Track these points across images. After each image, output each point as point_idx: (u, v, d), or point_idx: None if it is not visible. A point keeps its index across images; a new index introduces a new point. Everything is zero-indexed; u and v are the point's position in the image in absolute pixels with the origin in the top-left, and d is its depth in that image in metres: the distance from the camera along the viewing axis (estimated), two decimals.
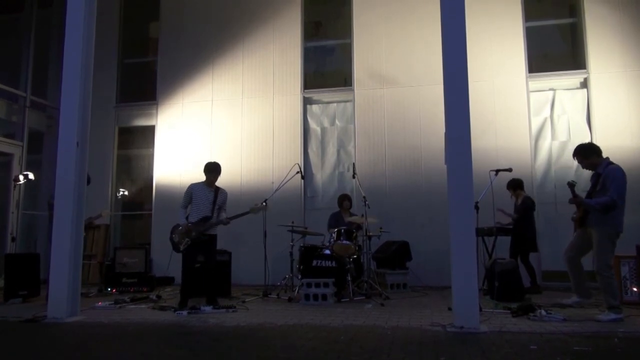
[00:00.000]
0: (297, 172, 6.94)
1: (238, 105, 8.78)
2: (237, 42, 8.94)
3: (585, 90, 7.76)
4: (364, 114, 8.32)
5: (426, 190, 7.77)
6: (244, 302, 5.97)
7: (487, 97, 7.80)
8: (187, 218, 5.78)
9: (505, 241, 6.73)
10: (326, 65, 9.21)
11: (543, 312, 4.60)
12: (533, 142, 7.79)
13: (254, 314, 5.20)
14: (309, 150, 8.60)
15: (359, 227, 6.74)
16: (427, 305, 5.67)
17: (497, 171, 5.88)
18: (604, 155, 4.84)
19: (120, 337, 4.22)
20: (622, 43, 7.63)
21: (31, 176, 7.43)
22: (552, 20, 8.36)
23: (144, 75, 9.70)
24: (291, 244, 6.68)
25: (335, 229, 6.45)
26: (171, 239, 5.81)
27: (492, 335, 3.95)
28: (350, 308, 5.48)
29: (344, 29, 8.73)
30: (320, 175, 8.53)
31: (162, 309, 5.55)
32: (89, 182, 6.25)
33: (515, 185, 6.86)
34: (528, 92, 7.83)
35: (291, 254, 6.64)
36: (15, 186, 8.00)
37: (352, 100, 8.43)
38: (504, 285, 5.72)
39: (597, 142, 7.40)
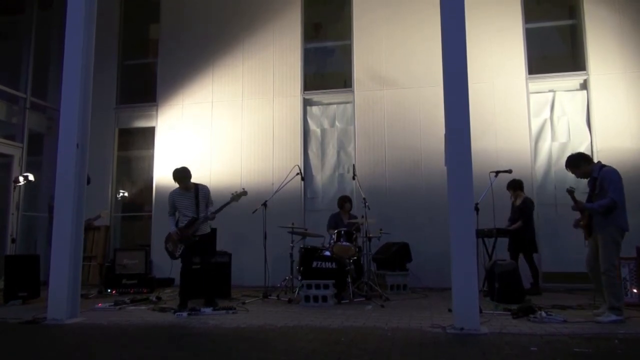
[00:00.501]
0: (297, 174, 6.95)
1: (238, 107, 8.79)
2: (237, 43, 8.94)
3: (585, 91, 7.77)
4: (364, 115, 8.32)
5: (426, 192, 7.77)
6: (244, 303, 5.97)
7: (487, 98, 7.80)
8: (177, 224, 5.79)
9: (505, 242, 6.74)
10: (326, 67, 9.22)
11: (543, 314, 4.60)
12: (533, 143, 7.79)
13: (254, 315, 5.20)
14: (309, 152, 8.60)
15: (358, 228, 6.74)
16: (427, 306, 5.67)
17: (497, 172, 5.88)
18: (604, 155, 4.88)
19: (120, 338, 4.21)
20: (621, 44, 7.63)
21: (31, 177, 7.43)
22: (552, 22, 8.37)
23: (144, 77, 9.71)
24: (291, 245, 6.68)
25: (336, 231, 6.45)
26: (166, 249, 5.84)
27: (492, 337, 3.94)
28: (350, 309, 5.47)
29: (344, 30, 8.73)
30: (320, 177, 8.53)
31: (162, 310, 5.55)
32: (88, 182, 6.24)
33: (516, 185, 6.87)
34: (528, 93, 7.84)
35: (291, 255, 6.64)
36: (15, 187, 8.00)
37: (352, 102, 8.43)
38: (504, 287, 5.72)
39: (596, 143, 7.46)
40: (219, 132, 8.79)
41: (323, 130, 8.63)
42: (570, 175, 5.12)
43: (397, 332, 4.19)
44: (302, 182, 7.70)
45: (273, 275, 6.89)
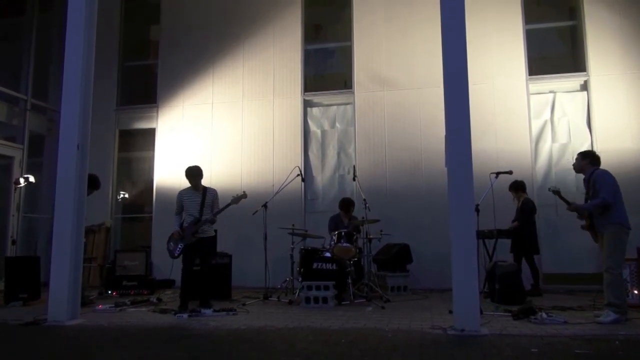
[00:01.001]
0: (298, 175, 6.95)
1: (238, 108, 8.79)
2: (237, 44, 8.95)
3: (585, 92, 7.77)
4: (364, 117, 8.32)
5: (427, 193, 7.77)
6: (244, 304, 5.97)
7: (487, 99, 7.80)
8: (182, 224, 5.83)
9: (506, 244, 6.74)
10: (326, 68, 9.22)
11: (544, 315, 4.60)
12: (533, 144, 7.78)
13: (255, 316, 5.20)
14: (310, 153, 8.60)
15: (359, 228, 6.74)
16: (427, 307, 5.67)
17: (498, 174, 5.89)
18: (605, 156, 4.92)
19: (121, 340, 4.21)
20: (621, 45, 7.63)
21: (32, 179, 7.43)
22: (552, 23, 8.37)
23: (145, 78, 9.72)
24: (292, 246, 6.68)
25: (336, 232, 6.45)
26: (168, 248, 5.87)
27: (493, 338, 3.94)
28: (350, 311, 5.47)
29: (344, 31, 8.74)
30: (321, 178, 8.53)
31: (163, 311, 5.55)
32: (98, 186, 6.29)
33: (517, 187, 6.87)
34: (528, 94, 7.84)
35: (292, 256, 6.64)
36: (15, 189, 8.01)
37: (353, 103, 8.43)
38: (505, 288, 5.71)
39: (597, 144, 7.46)
40: (219, 133, 8.79)
41: (323, 132, 8.64)
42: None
43: (398, 334, 4.19)
44: (303, 184, 7.70)
45: (273, 277, 6.88)
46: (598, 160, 4.96)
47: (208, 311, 5.34)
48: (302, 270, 6.21)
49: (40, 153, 9.40)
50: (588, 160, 4.93)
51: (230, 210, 5.94)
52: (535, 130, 7.84)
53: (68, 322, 4.89)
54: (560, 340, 3.85)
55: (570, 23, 8.30)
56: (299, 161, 8.26)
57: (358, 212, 7.25)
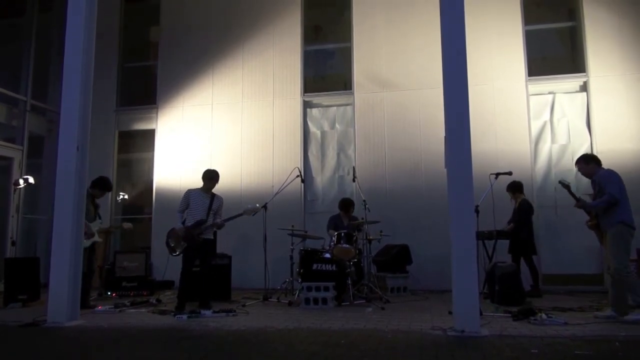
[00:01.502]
0: (297, 176, 6.94)
1: (238, 109, 8.79)
2: (237, 45, 8.95)
3: (584, 93, 7.77)
4: (363, 117, 8.32)
5: (426, 193, 7.77)
6: (244, 305, 5.97)
7: (487, 100, 7.80)
8: (183, 223, 5.83)
9: (505, 244, 6.73)
10: (326, 69, 9.23)
11: (544, 316, 4.60)
12: (533, 145, 7.79)
13: (254, 317, 5.19)
14: (309, 154, 8.60)
15: (359, 228, 6.73)
16: (427, 309, 5.66)
17: (498, 174, 5.89)
18: (604, 157, 4.95)
19: (120, 341, 4.20)
20: (621, 46, 7.64)
21: (31, 180, 7.42)
22: (551, 24, 8.38)
23: (145, 79, 9.72)
24: (291, 247, 6.67)
25: (336, 233, 6.44)
26: (167, 243, 5.86)
27: (492, 339, 3.94)
28: (350, 312, 5.46)
29: (344, 32, 8.74)
30: (320, 179, 8.53)
31: (162, 312, 5.54)
32: (110, 188, 6.32)
33: (515, 188, 6.87)
34: (528, 95, 7.84)
35: (291, 257, 6.64)
36: (15, 190, 8.00)
37: (352, 104, 8.44)
38: (505, 289, 5.71)
39: (596, 145, 7.47)
40: (219, 134, 8.80)
41: (323, 133, 8.64)
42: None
43: (398, 335, 4.18)
44: (302, 185, 7.69)
45: (273, 278, 6.87)
46: (600, 161, 5.05)
47: (208, 312, 5.33)
48: (301, 271, 6.20)
49: (39, 154, 9.40)
50: (593, 163, 5.01)
51: (230, 211, 5.94)
52: (534, 131, 7.84)
53: (67, 323, 4.88)
54: (560, 341, 3.84)
55: (569, 24, 8.31)
56: (298, 162, 8.26)
57: (358, 212, 7.25)
